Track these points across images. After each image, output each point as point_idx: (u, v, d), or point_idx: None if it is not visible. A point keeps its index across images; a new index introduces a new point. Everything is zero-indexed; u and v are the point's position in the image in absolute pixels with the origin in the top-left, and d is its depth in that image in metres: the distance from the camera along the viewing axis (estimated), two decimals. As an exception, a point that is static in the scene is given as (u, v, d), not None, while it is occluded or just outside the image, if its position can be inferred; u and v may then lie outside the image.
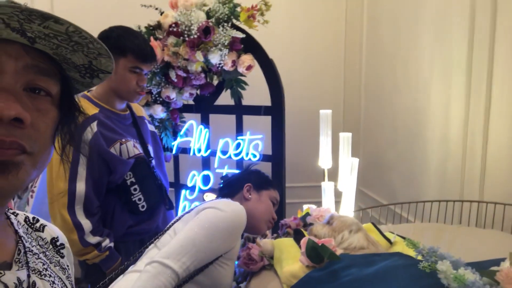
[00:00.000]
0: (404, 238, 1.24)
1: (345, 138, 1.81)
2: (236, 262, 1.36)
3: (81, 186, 1.38)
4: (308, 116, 2.84)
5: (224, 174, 2.03)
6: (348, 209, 1.72)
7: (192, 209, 1.20)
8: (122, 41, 1.40)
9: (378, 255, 1.07)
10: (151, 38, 1.97)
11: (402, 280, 0.91)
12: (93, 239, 1.39)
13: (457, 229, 1.49)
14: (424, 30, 2.13)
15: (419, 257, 0.98)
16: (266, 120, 2.04)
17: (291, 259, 1.19)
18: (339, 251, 1.09)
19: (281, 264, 1.20)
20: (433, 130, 2.07)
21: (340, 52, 3.00)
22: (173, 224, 1.19)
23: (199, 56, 1.92)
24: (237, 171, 2.04)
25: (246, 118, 2.10)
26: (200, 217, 1.08)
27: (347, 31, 2.97)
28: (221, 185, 1.44)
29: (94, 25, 1.17)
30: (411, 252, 1.16)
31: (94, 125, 1.40)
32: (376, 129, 2.74)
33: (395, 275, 0.93)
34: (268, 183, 1.40)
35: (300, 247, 1.21)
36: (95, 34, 1.46)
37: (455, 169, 1.88)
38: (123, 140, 1.46)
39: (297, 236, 1.29)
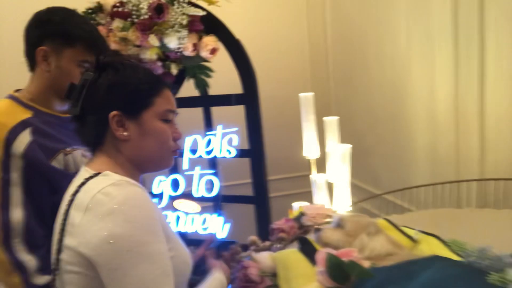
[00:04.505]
0: (433, 235, 1.06)
1: (332, 122, 1.62)
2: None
3: (17, 214, 1.08)
4: (280, 102, 2.62)
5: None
6: (344, 204, 1.53)
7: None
8: (68, 27, 1.13)
9: (414, 262, 0.87)
10: (92, 23, 1.64)
11: (461, 296, 0.71)
12: (41, 279, 1.10)
13: (471, 213, 1.35)
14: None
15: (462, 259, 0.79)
16: (238, 111, 1.79)
17: (301, 277, 0.96)
18: (365, 263, 0.88)
19: (289, 285, 0.97)
20: (417, 108, 1.93)
21: (302, 32, 2.78)
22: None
23: (153, 40, 1.62)
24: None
25: (215, 110, 1.84)
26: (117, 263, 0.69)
27: (308, 4, 2.76)
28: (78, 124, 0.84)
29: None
30: (443, 250, 0.98)
31: (27, 134, 1.10)
32: (350, 112, 2.57)
33: (450, 290, 0.73)
34: (150, 90, 0.82)
35: (310, 261, 0.99)
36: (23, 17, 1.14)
37: (448, 148, 1.74)
38: (68, 149, 1.17)
39: (305, 247, 1.06)
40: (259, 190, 1.77)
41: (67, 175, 1.12)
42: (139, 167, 0.83)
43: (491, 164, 1.57)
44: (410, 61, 1.93)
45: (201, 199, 1.87)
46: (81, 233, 0.71)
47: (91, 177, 0.76)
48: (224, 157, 1.78)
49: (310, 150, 1.67)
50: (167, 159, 0.86)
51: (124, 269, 0.68)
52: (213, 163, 1.90)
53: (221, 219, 1.89)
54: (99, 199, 0.71)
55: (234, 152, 1.77)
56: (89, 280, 0.73)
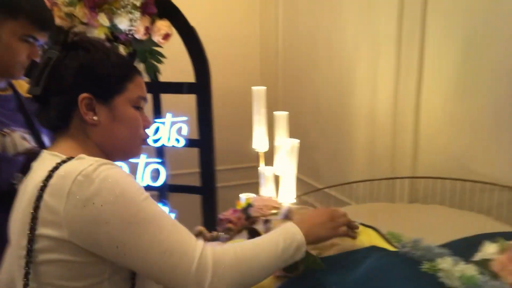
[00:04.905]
0: (371, 227, 1.13)
1: (282, 117, 1.65)
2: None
3: None
4: (230, 94, 2.62)
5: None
6: (289, 196, 1.58)
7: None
8: None
9: (355, 252, 0.93)
10: (34, -7, 1.51)
11: (397, 283, 0.78)
12: None
13: (402, 207, 1.47)
14: (347, 0, 2.05)
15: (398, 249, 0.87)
16: (188, 100, 1.77)
17: (250, 266, 0.98)
18: (312, 253, 0.92)
19: (238, 274, 0.99)
20: (359, 107, 2.04)
21: (255, 26, 2.80)
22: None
23: (103, 19, 1.54)
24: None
25: (165, 98, 1.80)
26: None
27: (261, 3, 2.78)
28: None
29: None
30: (381, 241, 1.06)
31: None
32: (297, 107, 2.65)
33: (387, 277, 0.80)
34: (124, 75, 0.78)
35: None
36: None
37: (385, 147, 1.87)
38: (6, 130, 1.07)
39: (254, 237, 1.08)
40: (207, 180, 1.77)
41: (5, 158, 1.04)
42: (108, 155, 0.79)
43: (422, 164, 1.71)
44: (356, 62, 2.03)
45: (146, 188, 1.81)
46: (69, 222, 0.65)
47: (64, 161, 0.70)
48: (173, 145, 1.75)
49: (259, 143, 1.70)
50: (137, 147, 0.83)
51: (132, 241, 0.65)
52: (160, 152, 1.86)
53: (166, 209, 1.86)
54: (81, 182, 0.66)
55: (182, 142, 1.75)
56: (70, 267, 0.68)
